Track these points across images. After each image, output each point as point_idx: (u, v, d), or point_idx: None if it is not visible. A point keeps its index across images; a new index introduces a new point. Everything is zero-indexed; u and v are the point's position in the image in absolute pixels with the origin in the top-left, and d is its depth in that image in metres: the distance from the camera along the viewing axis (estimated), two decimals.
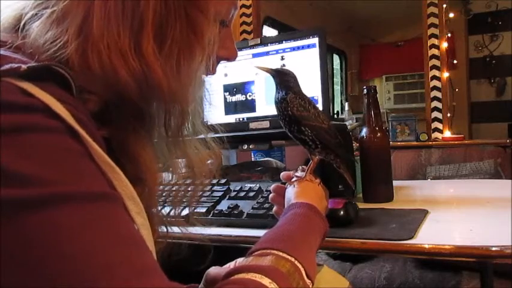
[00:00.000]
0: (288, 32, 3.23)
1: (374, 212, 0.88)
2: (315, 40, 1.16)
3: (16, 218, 0.31)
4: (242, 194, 0.98)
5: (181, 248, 0.58)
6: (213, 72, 0.57)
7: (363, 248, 0.73)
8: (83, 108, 0.39)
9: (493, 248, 0.63)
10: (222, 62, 0.58)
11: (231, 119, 1.25)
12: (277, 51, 1.21)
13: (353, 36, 4.66)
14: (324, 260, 1.83)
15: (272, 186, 0.78)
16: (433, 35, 2.81)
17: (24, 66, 0.36)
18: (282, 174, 0.79)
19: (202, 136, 0.57)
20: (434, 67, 2.80)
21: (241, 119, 1.24)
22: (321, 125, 0.76)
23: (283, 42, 1.21)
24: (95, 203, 0.34)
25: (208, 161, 0.57)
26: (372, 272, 1.67)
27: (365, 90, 1.01)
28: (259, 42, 1.23)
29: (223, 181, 1.05)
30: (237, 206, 0.92)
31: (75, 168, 0.35)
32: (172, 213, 0.59)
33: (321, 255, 1.75)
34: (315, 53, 1.16)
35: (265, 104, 1.24)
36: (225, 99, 1.26)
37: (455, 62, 3.60)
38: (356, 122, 2.65)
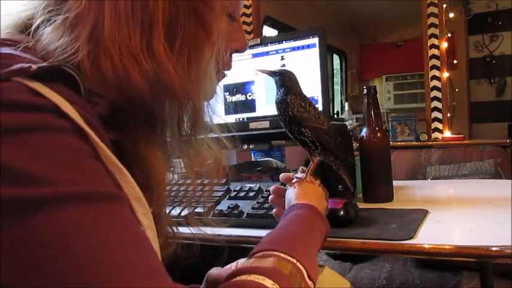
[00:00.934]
0: (288, 32, 3.23)
1: (374, 212, 0.88)
2: (315, 40, 1.16)
3: (23, 217, 0.31)
4: (242, 194, 0.98)
5: (191, 250, 0.58)
6: (229, 67, 0.57)
7: (363, 248, 0.73)
8: (91, 110, 0.40)
9: (493, 248, 0.63)
10: (234, 53, 0.59)
11: (231, 119, 1.25)
12: (277, 51, 1.21)
13: (353, 36, 4.66)
14: (324, 260, 1.83)
15: (271, 188, 0.78)
16: (433, 35, 2.81)
17: (34, 66, 0.36)
18: (281, 175, 0.79)
19: (213, 133, 0.57)
20: (434, 67, 2.80)
21: (241, 119, 1.24)
22: (321, 127, 0.76)
23: (283, 42, 1.21)
24: (101, 203, 0.34)
25: (216, 160, 0.57)
26: (372, 272, 1.67)
27: (365, 90, 1.01)
28: (259, 42, 1.23)
29: (223, 181, 1.05)
30: (237, 206, 0.92)
31: (83, 169, 0.35)
32: (182, 213, 0.59)
33: (321, 255, 1.75)
34: (315, 53, 1.16)
35: (265, 104, 1.24)
36: (225, 99, 1.26)
37: (455, 62, 3.60)
38: (356, 122, 2.65)
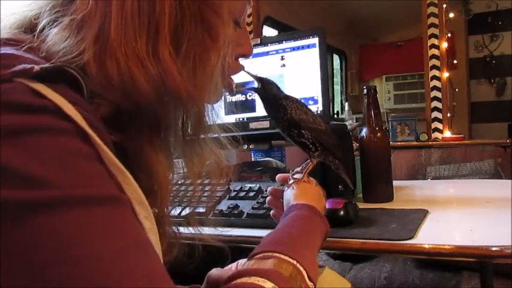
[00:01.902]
0: (288, 32, 3.23)
1: (374, 212, 0.88)
2: (315, 40, 1.16)
3: (24, 219, 0.31)
4: (242, 194, 0.98)
5: (192, 255, 0.58)
6: (236, 71, 0.57)
7: (363, 248, 0.73)
8: (94, 111, 0.39)
9: (493, 248, 0.63)
10: (239, 58, 0.59)
11: (231, 119, 1.25)
12: (277, 51, 1.21)
13: (353, 36, 4.65)
14: (324, 260, 1.83)
15: (269, 189, 0.78)
16: (433, 35, 2.81)
17: (36, 67, 0.36)
18: (277, 176, 0.79)
19: (216, 135, 0.57)
20: (434, 67, 2.81)
21: (241, 119, 1.24)
22: (319, 128, 0.76)
23: (283, 42, 1.21)
24: (103, 206, 0.34)
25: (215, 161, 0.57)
26: (372, 272, 1.67)
27: (365, 90, 1.01)
28: (259, 42, 1.23)
29: (223, 181, 1.05)
30: (237, 206, 0.92)
31: (85, 171, 0.35)
32: (183, 213, 0.59)
33: (321, 255, 1.75)
34: (315, 53, 1.16)
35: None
36: (225, 99, 1.26)
37: (455, 62, 3.60)
38: (356, 122, 2.65)
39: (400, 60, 4.43)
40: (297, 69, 1.19)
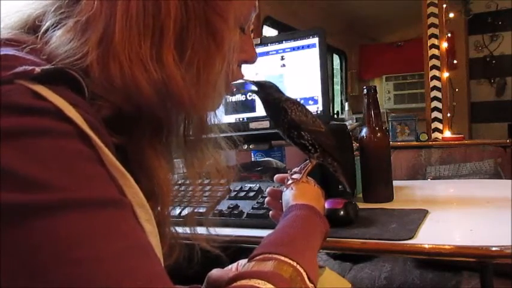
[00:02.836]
0: (288, 32, 3.23)
1: (374, 212, 0.88)
2: (315, 40, 1.16)
3: (25, 222, 0.31)
4: (242, 194, 0.98)
5: (192, 258, 0.58)
6: (238, 77, 0.57)
7: (363, 248, 0.73)
8: (95, 113, 0.39)
9: (493, 248, 0.63)
10: (242, 64, 0.59)
11: (231, 119, 1.25)
12: (277, 51, 1.21)
13: (353, 36, 4.65)
14: (324, 260, 1.83)
15: (267, 190, 0.78)
16: (433, 35, 2.81)
17: (37, 69, 0.35)
18: (275, 176, 0.79)
19: (216, 135, 0.57)
20: (434, 67, 2.81)
21: (241, 119, 1.24)
22: (319, 130, 0.76)
23: (283, 42, 1.21)
24: (104, 209, 0.34)
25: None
26: (372, 272, 1.67)
27: (365, 90, 1.01)
28: (259, 42, 1.23)
29: (222, 181, 1.04)
30: (237, 206, 0.92)
31: (85, 174, 0.35)
32: (182, 213, 0.59)
33: (321, 255, 1.75)
34: (315, 53, 1.16)
35: None
36: (225, 99, 1.26)
37: (455, 62, 3.60)
38: (356, 122, 2.65)
39: (400, 60, 4.43)
40: (297, 69, 1.19)
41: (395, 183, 1.01)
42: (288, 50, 1.20)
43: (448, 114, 2.85)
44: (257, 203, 0.92)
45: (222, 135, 0.58)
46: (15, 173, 0.32)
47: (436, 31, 2.80)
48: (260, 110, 1.23)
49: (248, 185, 1.00)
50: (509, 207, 0.82)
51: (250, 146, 1.24)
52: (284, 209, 0.69)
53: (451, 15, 3.07)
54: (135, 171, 0.43)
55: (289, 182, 0.74)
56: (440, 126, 2.80)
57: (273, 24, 3.40)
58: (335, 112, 4.18)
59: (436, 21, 2.81)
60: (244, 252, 0.58)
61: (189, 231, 0.58)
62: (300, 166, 0.78)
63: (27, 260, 0.31)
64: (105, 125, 0.40)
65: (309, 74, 1.16)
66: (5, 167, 0.31)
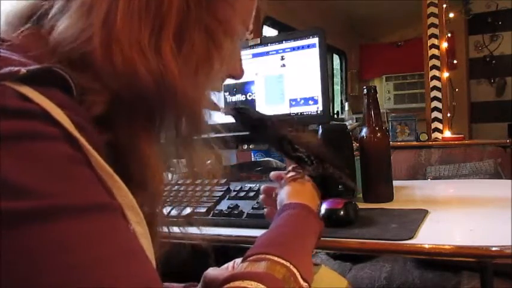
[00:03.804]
0: (288, 32, 3.23)
1: (374, 212, 0.88)
2: (315, 40, 1.16)
3: (13, 230, 0.30)
4: (242, 194, 0.98)
5: (181, 249, 0.58)
6: (219, 89, 0.57)
7: (363, 248, 0.73)
8: (84, 113, 0.39)
9: (493, 248, 0.63)
10: (227, 78, 0.59)
11: (231, 119, 1.25)
12: (277, 51, 1.21)
13: (353, 36, 4.66)
14: (324, 260, 1.83)
15: (262, 188, 0.78)
16: (433, 35, 2.81)
17: (23, 70, 0.34)
18: (271, 174, 0.79)
19: (211, 135, 0.57)
20: (434, 67, 2.81)
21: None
22: (311, 140, 0.76)
23: (283, 42, 1.21)
24: (93, 214, 0.34)
25: (209, 161, 0.57)
26: (372, 272, 1.67)
27: (365, 90, 1.01)
28: (259, 42, 1.23)
29: (223, 181, 1.05)
30: (237, 206, 0.92)
31: (73, 178, 0.34)
32: (172, 213, 0.59)
33: (321, 255, 1.75)
34: (315, 53, 1.16)
35: (265, 104, 1.24)
36: (225, 99, 1.26)
37: (455, 62, 3.60)
38: (356, 122, 2.65)
39: (400, 60, 4.43)
40: (297, 69, 1.19)
41: (395, 183, 1.01)
42: (288, 50, 1.20)
43: (448, 114, 2.85)
44: (257, 203, 0.92)
45: (221, 135, 0.58)
46: (2, 179, 0.31)
47: (436, 31, 2.80)
48: (260, 110, 1.23)
49: (248, 185, 1.00)
50: (509, 207, 0.82)
51: (250, 146, 1.24)
52: (278, 207, 0.69)
53: (451, 15, 3.07)
54: (126, 160, 0.43)
55: (284, 180, 0.74)
56: (440, 126, 2.80)
57: (273, 24, 3.40)
58: (335, 112, 4.18)
59: (436, 21, 2.81)
60: (240, 251, 0.58)
61: (183, 231, 0.58)
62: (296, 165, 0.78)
63: (16, 268, 0.30)
64: (96, 122, 0.40)
65: (309, 74, 1.16)
66: None
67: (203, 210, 0.93)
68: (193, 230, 0.60)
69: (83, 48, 0.40)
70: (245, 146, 1.23)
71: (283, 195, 0.70)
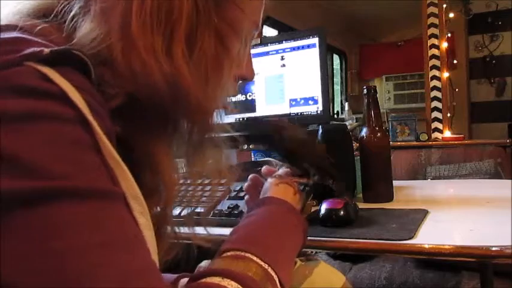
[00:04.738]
0: (288, 32, 3.23)
1: (374, 212, 0.88)
2: (315, 40, 1.16)
3: (11, 208, 0.31)
4: (242, 194, 0.98)
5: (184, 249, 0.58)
6: (234, 93, 0.58)
7: (363, 248, 0.73)
8: (101, 99, 0.39)
9: (493, 248, 0.63)
10: (240, 80, 0.59)
11: (231, 119, 1.25)
12: (277, 51, 1.21)
13: (353, 36, 4.66)
14: (324, 260, 1.83)
15: (250, 176, 0.78)
16: (433, 35, 2.81)
17: (46, 50, 0.35)
18: (263, 168, 0.79)
19: (219, 135, 0.57)
20: (434, 67, 2.81)
21: (241, 119, 1.24)
22: (314, 152, 0.77)
23: (283, 42, 1.21)
24: (95, 200, 0.34)
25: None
26: (372, 272, 1.67)
27: (365, 90, 1.01)
28: (259, 42, 1.23)
29: (223, 181, 1.04)
30: (237, 206, 0.92)
31: (80, 162, 0.34)
32: (183, 213, 0.59)
33: (321, 255, 1.75)
34: (315, 53, 1.16)
35: (265, 104, 1.24)
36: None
37: (455, 62, 3.60)
38: (356, 122, 2.65)
39: (400, 60, 4.43)
40: (297, 69, 1.19)
41: (395, 183, 1.01)
42: (288, 50, 1.20)
43: (448, 114, 2.85)
44: None
45: (225, 135, 0.58)
46: (8, 157, 0.31)
47: (436, 31, 2.80)
48: (260, 110, 1.24)
49: None
50: (509, 207, 0.82)
51: (250, 146, 1.24)
52: (260, 197, 0.69)
53: (451, 15, 3.07)
54: (139, 165, 0.43)
55: (273, 176, 0.74)
56: (440, 126, 2.80)
57: (273, 24, 3.40)
58: (335, 112, 4.18)
59: (436, 21, 2.81)
60: None
61: (188, 231, 0.58)
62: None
63: (10, 247, 0.30)
64: (113, 115, 0.40)
65: (309, 74, 1.16)
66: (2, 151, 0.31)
67: (203, 210, 0.93)
68: (190, 230, 0.60)
69: (104, 54, 0.41)
70: (245, 146, 1.23)
71: (268, 188, 0.70)
